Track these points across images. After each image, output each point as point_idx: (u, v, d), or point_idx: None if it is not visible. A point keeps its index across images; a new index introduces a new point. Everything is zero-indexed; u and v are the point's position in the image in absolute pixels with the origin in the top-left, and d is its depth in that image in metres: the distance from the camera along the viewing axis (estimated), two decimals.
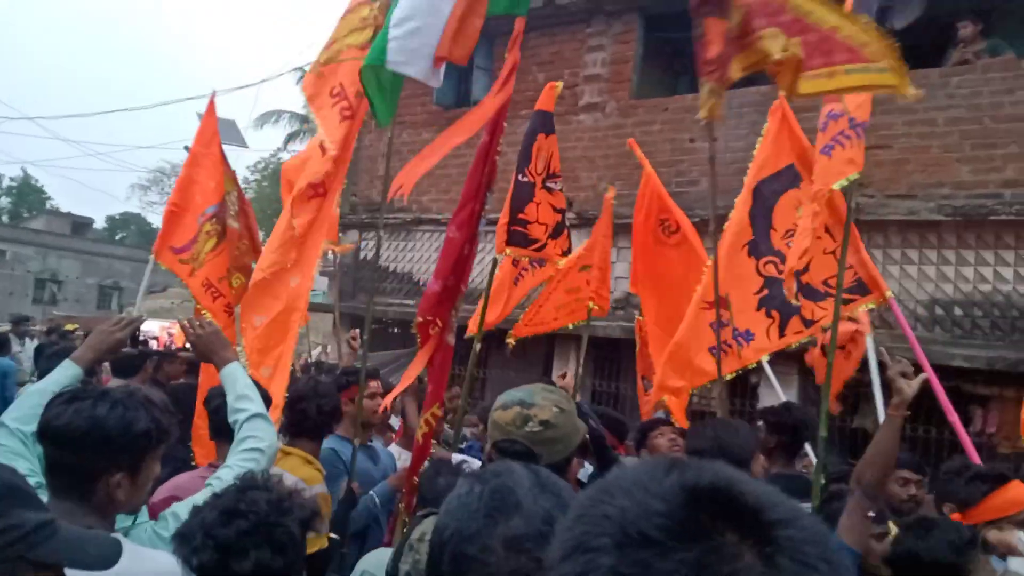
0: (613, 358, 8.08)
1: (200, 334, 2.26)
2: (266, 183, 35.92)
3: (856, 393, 6.50)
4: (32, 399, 1.91)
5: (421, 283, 9.65)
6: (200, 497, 1.69)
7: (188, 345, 2.32)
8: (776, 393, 4.83)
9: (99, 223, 43.93)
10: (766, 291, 3.71)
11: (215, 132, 4.67)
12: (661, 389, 3.88)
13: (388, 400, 3.76)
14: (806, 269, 3.50)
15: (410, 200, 9.45)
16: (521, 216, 4.12)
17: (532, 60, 8.66)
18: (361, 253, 10.32)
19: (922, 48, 7.28)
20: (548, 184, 4.23)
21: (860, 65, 2.55)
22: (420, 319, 3.29)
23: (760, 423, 3.64)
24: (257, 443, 2.05)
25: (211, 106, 4.73)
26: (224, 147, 4.71)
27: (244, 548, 1.44)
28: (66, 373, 2.01)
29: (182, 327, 2.31)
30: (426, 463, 3.31)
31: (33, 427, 1.80)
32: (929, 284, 6.48)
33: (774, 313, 3.64)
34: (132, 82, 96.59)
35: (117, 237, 44.84)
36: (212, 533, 1.44)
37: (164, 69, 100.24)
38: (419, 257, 9.75)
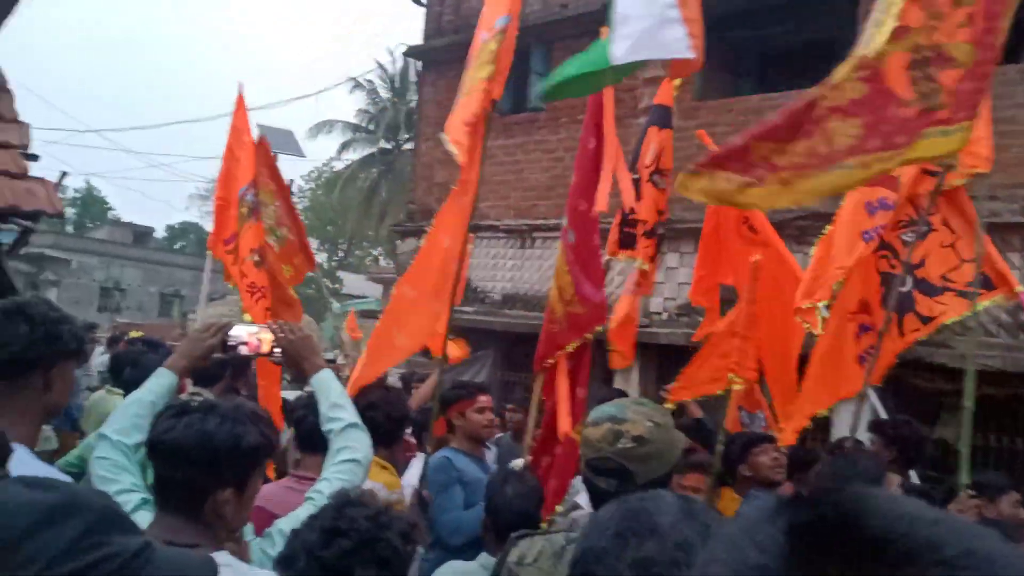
0: (679, 366, 7.90)
1: (291, 339, 2.24)
2: (320, 192, 36.56)
3: (938, 403, 6.24)
4: (131, 409, 1.92)
5: (478, 290, 9.62)
6: (304, 512, 1.67)
7: (278, 350, 2.29)
8: (873, 405, 4.57)
9: (159, 232, 45.26)
10: (883, 288, 3.48)
11: (246, 123, 4.93)
12: (809, 404, 3.52)
13: (565, 428, 3.29)
14: (922, 263, 3.32)
15: None
16: (632, 217, 3.98)
17: None
18: None
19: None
20: (655, 178, 4.05)
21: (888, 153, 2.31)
22: (598, 328, 3.19)
23: (873, 436, 3.45)
24: (353, 454, 2.01)
25: (240, 100, 4.99)
26: (281, 156, 4.87)
27: (349, 567, 1.43)
28: (160, 382, 2.01)
29: (273, 332, 2.29)
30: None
31: (135, 439, 1.81)
32: None
33: (891, 313, 3.44)
34: (153, 78, 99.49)
35: (176, 246, 46.05)
36: (316, 554, 1.43)
37: (183, 69, 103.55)
38: (476, 264, 9.71)
